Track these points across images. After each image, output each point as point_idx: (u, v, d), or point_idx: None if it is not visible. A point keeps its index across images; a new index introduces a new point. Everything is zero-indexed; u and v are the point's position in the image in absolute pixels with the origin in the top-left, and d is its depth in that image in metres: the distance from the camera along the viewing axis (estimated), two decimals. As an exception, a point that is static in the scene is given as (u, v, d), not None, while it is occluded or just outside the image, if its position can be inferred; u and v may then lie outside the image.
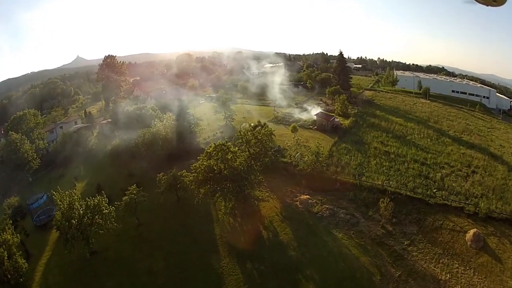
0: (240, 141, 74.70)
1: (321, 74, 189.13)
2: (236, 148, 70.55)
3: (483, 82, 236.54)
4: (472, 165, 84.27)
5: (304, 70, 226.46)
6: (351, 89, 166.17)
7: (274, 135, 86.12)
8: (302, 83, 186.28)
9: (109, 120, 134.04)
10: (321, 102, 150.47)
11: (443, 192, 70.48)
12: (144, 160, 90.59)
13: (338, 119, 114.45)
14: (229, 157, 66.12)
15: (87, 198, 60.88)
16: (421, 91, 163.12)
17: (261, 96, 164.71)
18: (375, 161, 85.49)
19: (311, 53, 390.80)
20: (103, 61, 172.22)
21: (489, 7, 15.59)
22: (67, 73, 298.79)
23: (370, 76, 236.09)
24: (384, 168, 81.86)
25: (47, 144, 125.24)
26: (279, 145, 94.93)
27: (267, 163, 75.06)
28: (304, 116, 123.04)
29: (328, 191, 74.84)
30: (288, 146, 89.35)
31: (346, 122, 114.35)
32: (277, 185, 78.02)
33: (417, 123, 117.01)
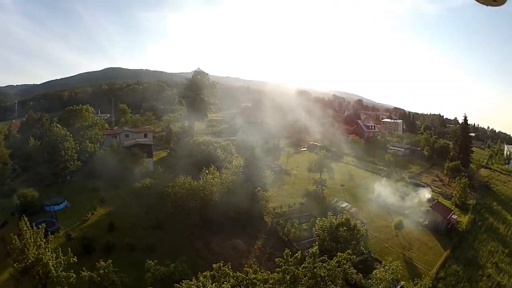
0: (280, 274, 45.53)
1: (439, 140, 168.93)
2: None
3: None
4: None
5: (422, 133, 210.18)
6: (470, 164, 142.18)
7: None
8: (419, 148, 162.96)
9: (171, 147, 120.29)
10: (437, 179, 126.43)
11: None
12: (180, 215, 75.31)
13: (455, 216, 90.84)
14: None
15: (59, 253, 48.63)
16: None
17: (371, 156, 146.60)
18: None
19: (428, 113, 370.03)
20: (192, 76, 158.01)
21: (489, 7, 12.24)
22: (179, 80, 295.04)
23: (483, 149, 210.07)
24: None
25: (97, 148, 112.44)
26: (369, 250, 69.44)
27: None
28: (415, 200, 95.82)
29: None
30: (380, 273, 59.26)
31: (464, 220, 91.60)
32: None
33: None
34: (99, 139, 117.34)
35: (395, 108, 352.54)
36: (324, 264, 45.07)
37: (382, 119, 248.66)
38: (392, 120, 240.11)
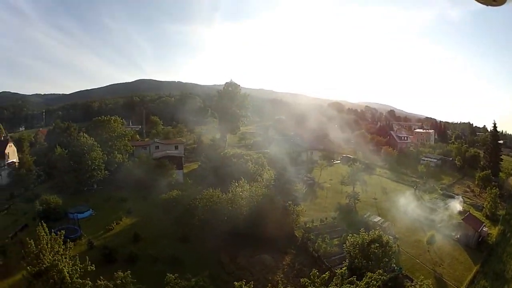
0: None
1: (470, 149, 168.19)
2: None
3: None
4: None
5: (453, 142, 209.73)
6: (500, 173, 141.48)
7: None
8: (450, 158, 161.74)
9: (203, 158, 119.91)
10: (468, 189, 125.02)
11: None
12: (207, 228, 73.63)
13: (486, 228, 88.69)
14: None
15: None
16: None
17: (404, 168, 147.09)
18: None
19: (458, 122, 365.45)
20: (223, 88, 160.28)
21: (489, 7, 11.64)
22: (211, 93, 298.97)
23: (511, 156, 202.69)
24: None
25: (126, 159, 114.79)
26: (400, 267, 66.58)
27: None
28: (447, 213, 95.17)
29: None
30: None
31: (494, 232, 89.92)
32: None
33: None
34: (128, 150, 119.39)
35: (427, 118, 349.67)
36: (352, 286, 43.02)
37: (414, 129, 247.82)
38: (424, 131, 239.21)
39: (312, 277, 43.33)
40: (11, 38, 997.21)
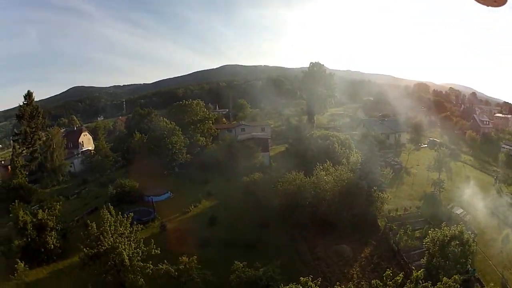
0: None
1: None
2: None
3: None
4: None
5: None
6: None
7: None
8: None
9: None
10: None
11: None
12: (287, 213, 70.86)
13: None
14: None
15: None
16: None
17: (486, 155, 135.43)
18: None
19: None
20: (308, 68, 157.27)
21: (489, 7, 13.45)
22: (299, 75, 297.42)
23: None
24: None
25: (209, 142, 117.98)
26: (474, 269, 59.50)
27: None
28: None
29: None
30: None
31: None
32: None
33: None
34: (212, 133, 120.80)
35: (505, 102, 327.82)
36: None
37: (494, 114, 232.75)
38: (503, 115, 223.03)
39: (384, 278, 39.31)
40: (80, 38, 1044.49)
